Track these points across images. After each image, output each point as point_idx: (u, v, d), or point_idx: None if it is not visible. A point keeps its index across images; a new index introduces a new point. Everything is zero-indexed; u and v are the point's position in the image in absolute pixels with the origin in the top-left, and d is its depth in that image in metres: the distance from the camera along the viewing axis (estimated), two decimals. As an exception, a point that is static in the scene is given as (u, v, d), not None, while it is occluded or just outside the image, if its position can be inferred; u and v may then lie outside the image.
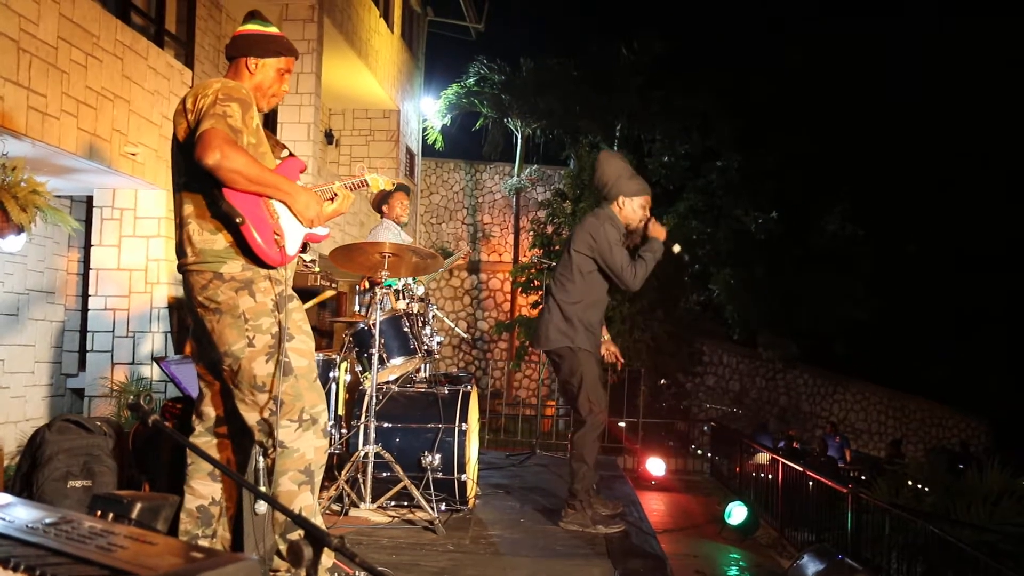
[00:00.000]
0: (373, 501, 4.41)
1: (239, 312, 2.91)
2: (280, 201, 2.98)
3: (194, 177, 2.91)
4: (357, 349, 4.82)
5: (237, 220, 2.82)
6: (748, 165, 17.80)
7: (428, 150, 19.16)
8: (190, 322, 3.12)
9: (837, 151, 19.50)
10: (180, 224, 3.00)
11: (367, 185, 3.60)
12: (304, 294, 3.35)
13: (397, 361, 4.76)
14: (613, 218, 4.64)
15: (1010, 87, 23.93)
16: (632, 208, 4.66)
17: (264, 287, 2.96)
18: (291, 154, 3.25)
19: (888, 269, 19.40)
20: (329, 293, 5.81)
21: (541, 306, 4.97)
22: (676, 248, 4.79)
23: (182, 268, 3.00)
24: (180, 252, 3.01)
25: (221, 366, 2.98)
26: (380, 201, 6.13)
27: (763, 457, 10.27)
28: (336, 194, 3.29)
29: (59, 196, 7.25)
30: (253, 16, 3.21)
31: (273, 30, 3.18)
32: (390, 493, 4.42)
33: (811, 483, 7.86)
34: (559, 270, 4.76)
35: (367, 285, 5.45)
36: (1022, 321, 21.35)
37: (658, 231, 4.67)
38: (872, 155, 21.57)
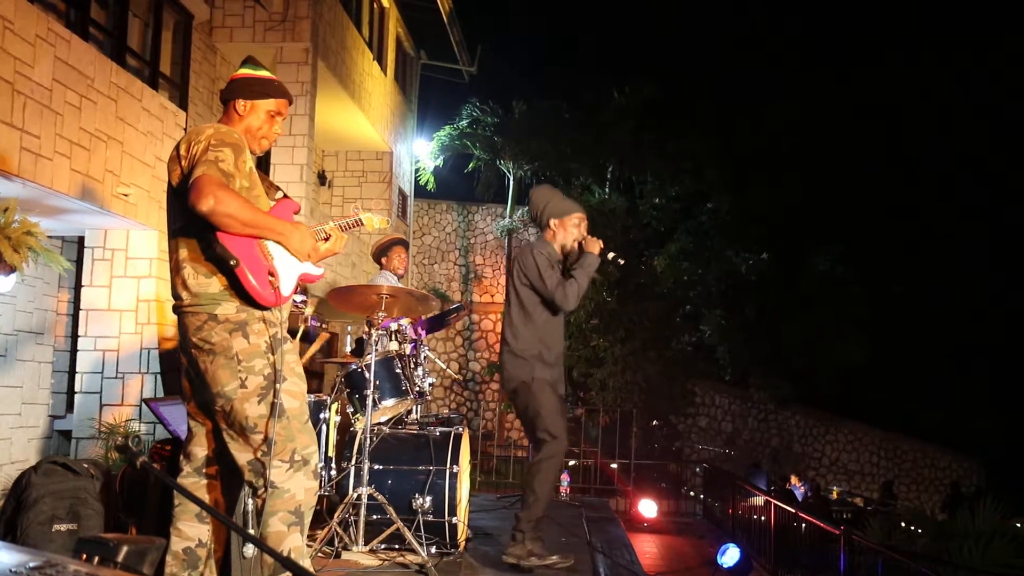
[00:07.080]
0: (365, 544, 4.37)
1: (232, 353, 2.92)
2: (274, 242, 3.00)
3: (189, 222, 2.93)
4: (348, 390, 4.80)
5: (231, 263, 2.85)
6: (739, 207, 17.90)
7: (420, 191, 19.21)
8: (184, 362, 3.12)
9: (826, 193, 19.65)
10: (176, 268, 3.02)
11: (362, 224, 3.62)
12: (294, 335, 3.34)
13: (389, 402, 4.74)
14: (543, 244, 4.61)
15: (997, 130, 24.24)
16: (566, 229, 4.63)
17: (258, 329, 2.97)
18: (285, 196, 3.27)
19: (879, 310, 19.44)
20: (322, 337, 5.77)
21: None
22: (611, 255, 4.78)
23: (177, 310, 3.02)
24: (176, 295, 3.03)
25: (214, 406, 2.98)
26: (379, 253, 6.18)
27: (756, 499, 10.22)
28: (330, 235, 3.30)
29: (50, 236, 7.24)
30: (246, 61, 3.26)
31: (264, 73, 3.22)
32: (382, 536, 4.38)
33: (803, 525, 7.82)
34: (507, 309, 4.66)
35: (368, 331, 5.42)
36: (1014, 361, 21.40)
37: (593, 246, 4.62)
38: (861, 197, 21.74)
